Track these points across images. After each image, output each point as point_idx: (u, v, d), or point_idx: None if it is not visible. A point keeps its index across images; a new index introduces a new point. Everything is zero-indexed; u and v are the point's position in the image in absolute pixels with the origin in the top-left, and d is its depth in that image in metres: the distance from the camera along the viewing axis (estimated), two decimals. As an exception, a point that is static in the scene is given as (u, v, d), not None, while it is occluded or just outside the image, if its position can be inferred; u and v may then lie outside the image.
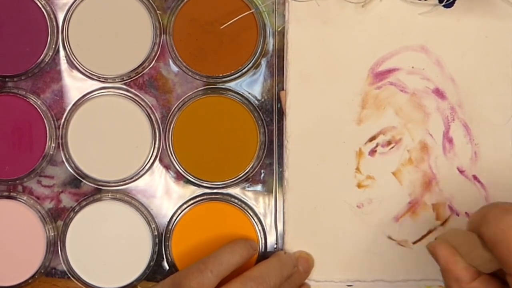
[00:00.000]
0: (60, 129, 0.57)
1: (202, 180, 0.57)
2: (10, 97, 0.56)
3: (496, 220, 0.41)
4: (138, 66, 0.56)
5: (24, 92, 0.56)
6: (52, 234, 0.57)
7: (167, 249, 0.57)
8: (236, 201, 0.57)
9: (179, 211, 0.57)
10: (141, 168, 0.56)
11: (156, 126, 0.57)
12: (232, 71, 0.56)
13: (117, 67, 0.56)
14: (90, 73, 0.56)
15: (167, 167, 0.57)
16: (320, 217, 0.56)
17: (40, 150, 0.56)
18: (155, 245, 0.57)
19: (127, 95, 0.57)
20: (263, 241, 0.57)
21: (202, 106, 0.56)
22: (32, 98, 0.56)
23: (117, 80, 0.57)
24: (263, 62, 0.57)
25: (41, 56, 0.56)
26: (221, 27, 0.55)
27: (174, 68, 0.57)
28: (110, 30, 0.56)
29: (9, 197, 0.57)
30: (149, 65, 0.57)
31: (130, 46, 0.56)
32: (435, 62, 0.55)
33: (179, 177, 0.57)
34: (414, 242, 0.56)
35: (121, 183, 0.57)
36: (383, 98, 0.56)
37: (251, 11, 0.55)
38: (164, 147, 0.57)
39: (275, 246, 0.57)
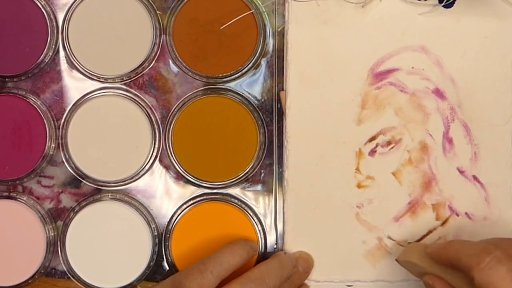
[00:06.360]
0: (60, 129, 0.57)
1: (202, 180, 0.57)
2: (10, 97, 0.56)
3: (490, 270, 0.44)
4: (138, 67, 0.56)
5: (24, 92, 0.56)
6: (52, 234, 0.57)
7: (167, 249, 0.57)
8: (236, 201, 0.57)
9: (179, 211, 0.57)
10: (141, 168, 0.56)
11: (156, 126, 0.57)
12: (232, 71, 0.56)
13: (117, 67, 0.56)
14: (90, 73, 0.56)
15: (167, 167, 0.57)
16: (320, 217, 0.56)
17: (40, 150, 0.56)
18: (155, 245, 0.57)
19: (127, 95, 0.57)
20: (263, 241, 0.57)
21: (202, 107, 0.56)
22: (32, 98, 0.56)
23: (117, 80, 0.57)
24: (263, 62, 0.57)
25: (41, 56, 0.56)
26: (221, 27, 0.55)
27: (174, 68, 0.57)
28: (110, 31, 0.56)
29: (9, 197, 0.57)
30: (149, 65, 0.57)
31: (130, 46, 0.56)
32: (435, 62, 0.55)
33: (179, 177, 0.57)
34: (414, 243, 0.56)
35: (121, 183, 0.57)
36: (383, 98, 0.56)
37: (251, 11, 0.55)
38: (164, 147, 0.57)
39: (275, 246, 0.57)
